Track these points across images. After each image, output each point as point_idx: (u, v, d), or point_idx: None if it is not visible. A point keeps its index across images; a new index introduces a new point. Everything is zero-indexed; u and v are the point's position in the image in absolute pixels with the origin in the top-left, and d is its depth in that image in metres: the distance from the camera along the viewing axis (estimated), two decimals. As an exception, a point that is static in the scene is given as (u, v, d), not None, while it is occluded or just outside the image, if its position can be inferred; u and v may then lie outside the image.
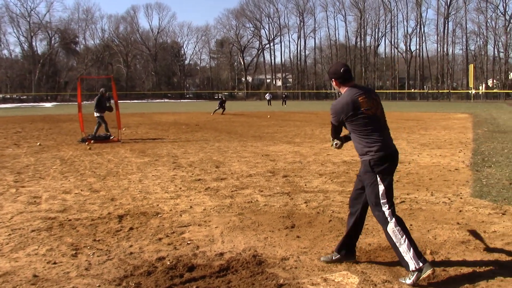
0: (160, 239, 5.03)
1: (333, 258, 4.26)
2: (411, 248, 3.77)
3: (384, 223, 3.87)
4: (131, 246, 4.79)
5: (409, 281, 3.75)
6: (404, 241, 3.78)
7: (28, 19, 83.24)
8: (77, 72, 76.53)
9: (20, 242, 4.94)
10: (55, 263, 4.31)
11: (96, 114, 16.12)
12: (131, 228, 5.41)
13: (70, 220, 5.79)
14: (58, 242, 4.93)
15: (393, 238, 3.82)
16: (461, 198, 6.67)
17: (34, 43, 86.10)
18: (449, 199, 6.62)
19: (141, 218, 5.85)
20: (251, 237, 5.06)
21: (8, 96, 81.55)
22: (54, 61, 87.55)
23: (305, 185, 7.81)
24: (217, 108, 33.30)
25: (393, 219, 3.85)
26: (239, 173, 9.03)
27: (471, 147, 12.35)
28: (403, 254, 3.78)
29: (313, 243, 4.83)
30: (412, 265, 3.74)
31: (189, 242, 4.91)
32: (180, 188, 7.70)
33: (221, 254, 4.53)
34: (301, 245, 4.75)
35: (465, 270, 4.03)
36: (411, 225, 5.37)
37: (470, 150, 11.84)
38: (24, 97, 79.98)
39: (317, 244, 4.79)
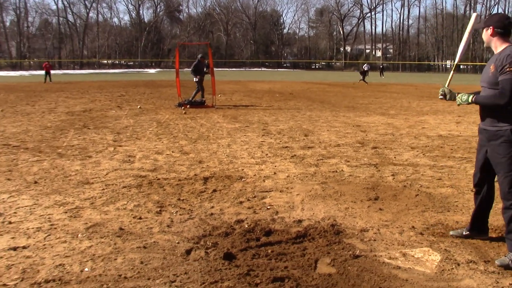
0: (241, 202, 5.10)
1: (463, 233, 4.08)
2: None
3: None
4: (212, 207, 4.91)
5: (502, 262, 3.50)
6: None
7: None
8: (180, 40, 79.04)
9: (111, 197, 5.24)
10: (140, 218, 4.53)
11: (194, 79, 16.58)
12: (214, 190, 5.54)
13: (159, 179, 6.05)
14: (146, 199, 5.18)
15: None
16: None
17: (141, 12, 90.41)
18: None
19: (225, 181, 5.96)
20: (331, 206, 4.97)
21: (117, 62, 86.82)
22: (159, 29, 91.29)
23: (395, 157, 7.52)
24: (361, 78, 34.17)
25: None
26: (327, 142, 8.89)
27: None
28: None
29: (396, 216, 4.65)
30: None
31: (269, 207, 4.94)
32: (267, 154, 7.75)
33: (300, 221, 4.50)
34: (382, 218, 4.59)
35: None
36: None
37: None
38: (130, 63, 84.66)
39: (400, 218, 4.60)
